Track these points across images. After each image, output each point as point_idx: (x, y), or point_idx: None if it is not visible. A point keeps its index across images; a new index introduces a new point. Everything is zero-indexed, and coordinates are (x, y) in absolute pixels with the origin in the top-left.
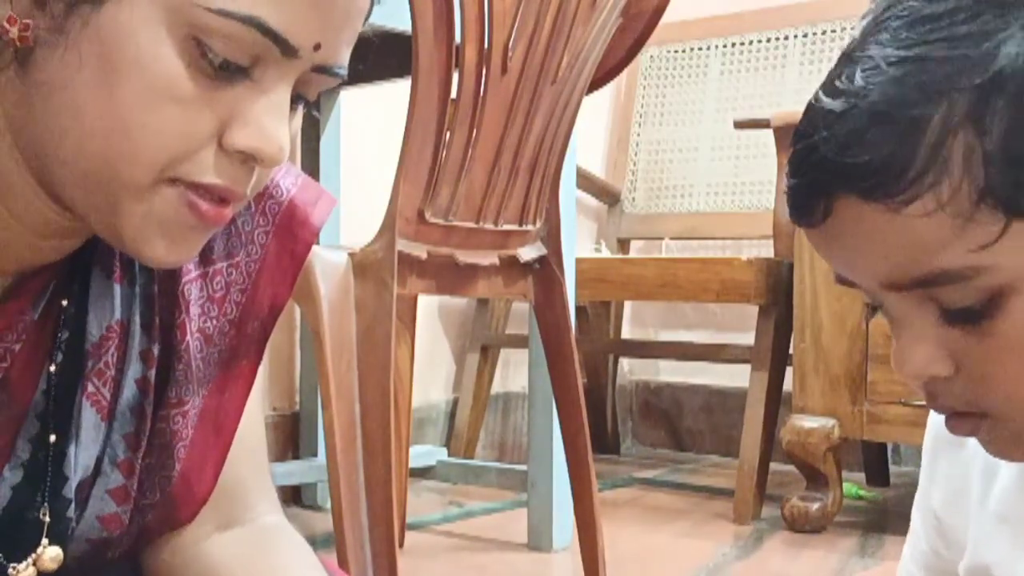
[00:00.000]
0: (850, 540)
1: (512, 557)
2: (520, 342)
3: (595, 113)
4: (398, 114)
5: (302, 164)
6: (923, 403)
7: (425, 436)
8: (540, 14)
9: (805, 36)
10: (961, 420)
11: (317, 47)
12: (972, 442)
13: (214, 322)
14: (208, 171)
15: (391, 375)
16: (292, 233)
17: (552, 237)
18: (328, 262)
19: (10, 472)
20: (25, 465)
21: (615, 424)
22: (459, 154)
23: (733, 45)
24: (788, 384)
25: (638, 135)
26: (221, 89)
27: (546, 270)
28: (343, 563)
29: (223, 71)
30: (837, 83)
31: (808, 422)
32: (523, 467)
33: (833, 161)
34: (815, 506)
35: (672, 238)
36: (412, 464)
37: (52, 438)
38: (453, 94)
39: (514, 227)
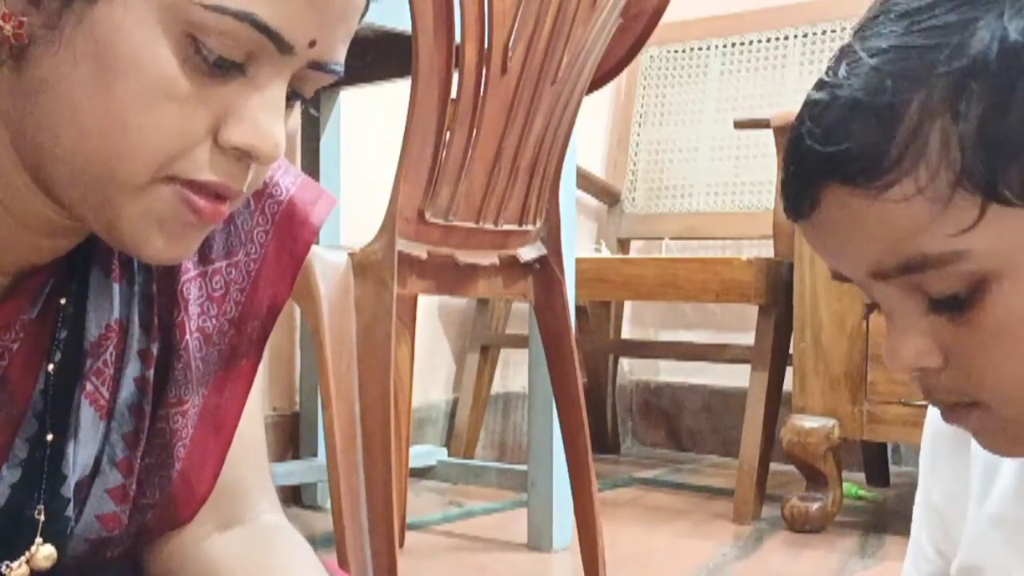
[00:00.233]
0: (850, 540)
1: (512, 557)
2: (520, 342)
3: (595, 113)
4: (398, 114)
5: (302, 164)
6: (923, 403)
7: (425, 436)
8: (540, 14)
9: (805, 36)
10: (954, 412)
11: (312, 43)
12: (973, 442)
13: (213, 321)
14: (204, 168)
15: (391, 375)
16: (292, 232)
17: (552, 237)
18: (328, 262)
19: (8, 471)
20: (23, 464)
21: (615, 424)
22: (459, 154)
23: (733, 45)
24: (788, 384)
25: (638, 135)
26: (216, 86)
27: (546, 270)
28: (343, 563)
29: (218, 68)
30: (824, 77)
31: (808, 422)
32: (523, 467)
33: (817, 151)
34: (815, 506)
35: (672, 238)
36: (412, 464)
37: (50, 437)
38: (453, 94)
39: (514, 227)
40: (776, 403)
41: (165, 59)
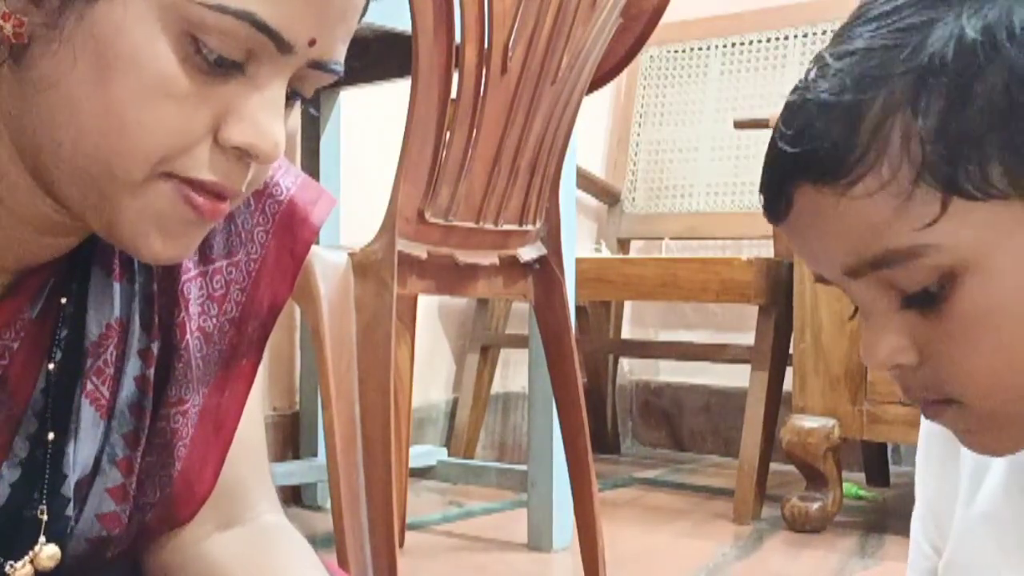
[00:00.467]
0: (850, 540)
1: (512, 557)
2: (520, 342)
3: (595, 113)
4: (398, 114)
5: (302, 164)
6: None
7: (425, 436)
8: (540, 14)
9: (805, 36)
10: (933, 409)
11: (312, 43)
12: None
13: (214, 321)
14: (203, 167)
15: (391, 375)
16: (292, 232)
17: (552, 237)
18: (328, 262)
19: (8, 470)
20: (23, 463)
21: (615, 424)
22: (459, 154)
23: (733, 45)
24: (788, 384)
25: (638, 135)
26: (216, 85)
27: (546, 270)
28: (343, 563)
29: (218, 67)
30: (798, 83)
31: (808, 422)
32: (523, 467)
33: (788, 153)
34: (815, 506)
35: (672, 238)
36: (412, 464)
37: (51, 436)
38: (453, 94)
39: (514, 227)
40: (776, 403)
41: (165, 57)
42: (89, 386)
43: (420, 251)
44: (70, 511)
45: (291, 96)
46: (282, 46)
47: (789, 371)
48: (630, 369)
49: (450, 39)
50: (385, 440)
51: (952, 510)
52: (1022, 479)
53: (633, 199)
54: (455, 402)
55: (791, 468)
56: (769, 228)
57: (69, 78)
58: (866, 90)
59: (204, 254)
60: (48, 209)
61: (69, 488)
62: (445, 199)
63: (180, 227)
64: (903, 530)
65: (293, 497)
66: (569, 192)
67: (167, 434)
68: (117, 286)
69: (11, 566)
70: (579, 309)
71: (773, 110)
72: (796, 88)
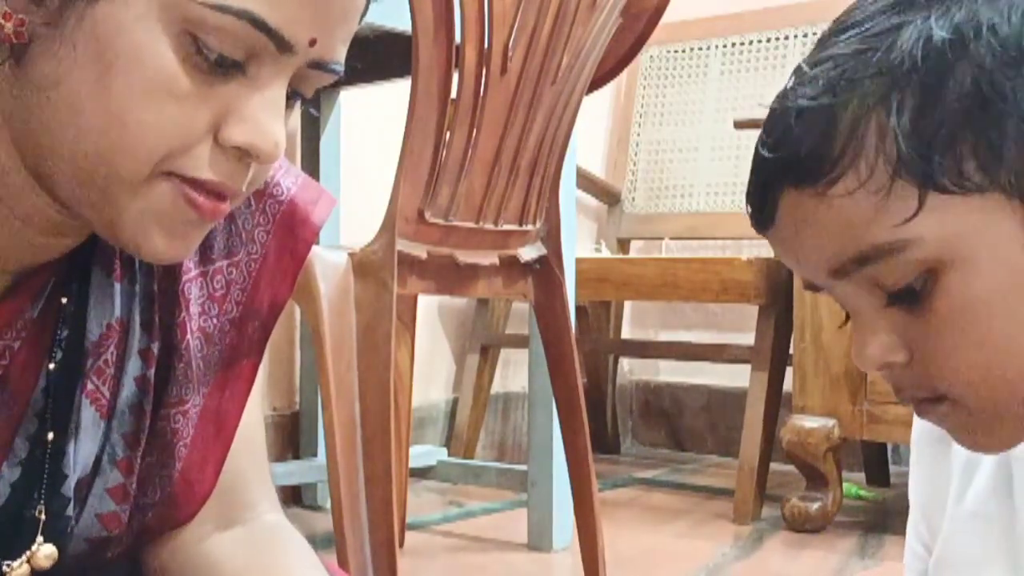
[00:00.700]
0: (850, 540)
1: (512, 557)
2: (520, 342)
3: (595, 113)
4: (398, 114)
5: (302, 164)
6: None
7: (425, 436)
8: (540, 14)
9: (805, 36)
10: (924, 407)
11: (312, 43)
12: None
13: (214, 321)
14: (204, 167)
15: (391, 375)
16: (292, 232)
17: (552, 237)
18: (328, 262)
19: (8, 470)
20: (23, 463)
21: (615, 424)
22: (459, 154)
23: (733, 45)
24: (788, 384)
25: (638, 135)
26: (216, 85)
27: (546, 270)
28: (343, 563)
29: (218, 67)
30: (779, 93)
31: (808, 422)
32: (523, 467)
33: (769, 159)
34: (815, 506)
35: (672, 238)
36: (412, 464)
37: (51, 436)
38: (453, 94)
39: (514, 227)
40: (776, 403)
41: (165, 56)
42: (89, 386)
43: (420, 251)
44: (70, 511)
45: (291, 96)
46: (282, 46)
47: (789, 371)
48: (630, 369)
49: (450, 39)
50: (385, 440)
51: (943, 510)
52: (1009, 478)
53: (633, 199)
54: (455, 402)
55: (791, 468)
56: None
57: (70, 78)
58: (840, 93)
59: (204, 254)
60: (49, 209)
61: (69, 488)
62: (445, 199)
63: (181, 227)
64: (903, 530)
65: (293, 497)
66: (569, 192)
67: (167, 434)
68: (118, 286)
69: (8, 565)
70: (579, 309)
71: None
72: (777, 97)
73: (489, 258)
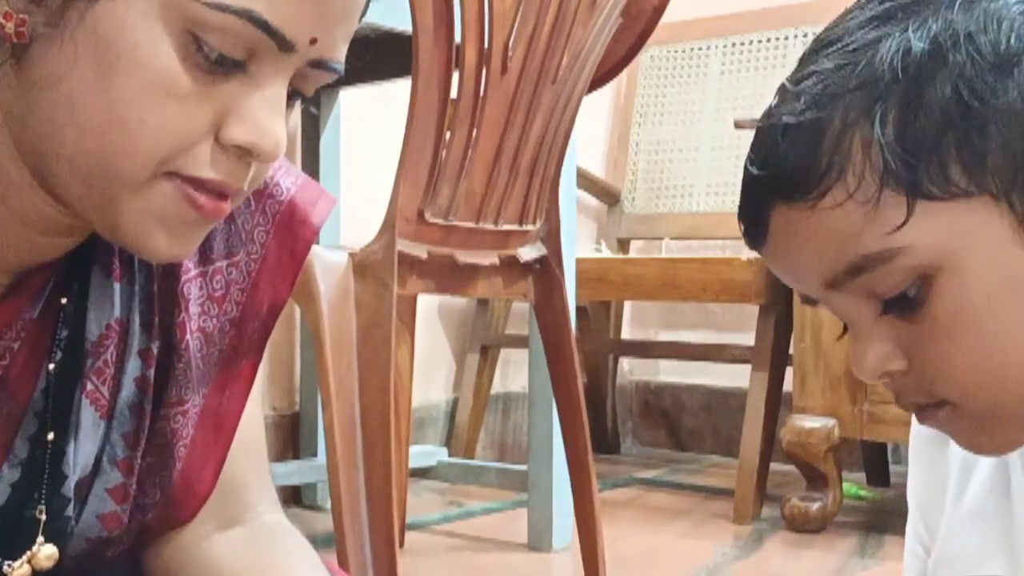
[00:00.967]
0: (850, 540)
1: (512, 557)
2: (520, 342)
3: (595, 113)
4: (398, 114)
5: (302, 164)
6: None
7: (425, 436)
8: (540, 14)
9: (805, 36)
10: (925, 413)
11: (313, 41)
12: (952, 441)
13: (214, 321)
14: (205, 166)
15: (391, 375)
16: (292, 232)
17: (552, 237)
18: (328, 262)
19: (9, 470)
20: (23, 463)
21: (615, 424)
22: (459, 154)
23: (733, 45)
24: (788, 384)
25: (638, 135)
26: (217, 84)
27: (546, 270)
28: (343, 563)
29: (219, 66)
30: (764, 112)
31: (808, 422)
32: (523, 467)
33: (758, 177)
34: (815, 506)
35: (672, 238)
36: (412, 464)
37: (51, 436)
38: (453, 94)
39: (514, 227)
40: (776, 403)
41: (166, 56)
42: (89, 386)
43: (420, 251)
44: (70, 511)
45: (292, 95)
46: (283, 45)
47: (789, 371)
48: (630, 369)
49: (450, 39)
50: (385, 440)
51: (941, 510)
52: (1006, 478)
53: (633, 199)
54: (455, 402)
55: (791, 468)
56: None
57: (71, 77)
58: (824, 107)
59: (204, 254)
60: (49, 208)
61: (69, 488)
62: (445, 199)
63: (182, 226)
64: (903, 530)
65: (293, 497)
66: (569, 192)
67: (167, 434)
68: (117, 286)
69: (9, 566)
70: (579, 309)
71: None
72: (762, 115)
73: (489, 258)
